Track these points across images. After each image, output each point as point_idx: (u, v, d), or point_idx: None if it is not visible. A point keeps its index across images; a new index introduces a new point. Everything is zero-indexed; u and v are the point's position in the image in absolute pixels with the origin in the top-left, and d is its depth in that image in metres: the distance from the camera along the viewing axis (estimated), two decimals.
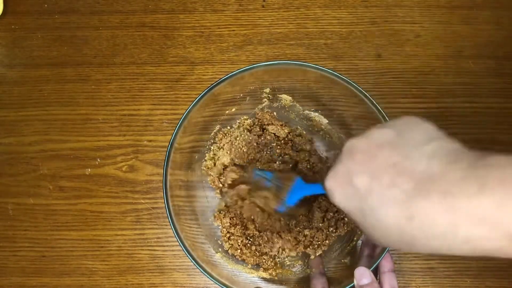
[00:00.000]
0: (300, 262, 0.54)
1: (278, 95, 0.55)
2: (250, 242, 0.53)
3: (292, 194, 0.48)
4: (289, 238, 0.52)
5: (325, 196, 0.54)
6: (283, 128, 0.55)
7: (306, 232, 0.52)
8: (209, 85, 0.48)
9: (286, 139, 0.56)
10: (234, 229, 0.53)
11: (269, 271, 0.52)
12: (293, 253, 0.53)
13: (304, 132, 0.57)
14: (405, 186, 0.27)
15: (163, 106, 0.60)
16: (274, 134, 0.56)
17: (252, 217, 0.54)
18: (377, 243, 0.32)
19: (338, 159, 0.32)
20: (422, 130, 0.30)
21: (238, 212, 0.54)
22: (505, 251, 0.25)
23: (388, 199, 0.28)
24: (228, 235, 0.53)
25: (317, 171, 0.54)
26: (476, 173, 0.25)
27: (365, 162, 0.30)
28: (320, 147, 0.57)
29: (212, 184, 0.55)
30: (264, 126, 0.56)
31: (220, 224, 0.53)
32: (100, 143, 0.59)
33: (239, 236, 0.52)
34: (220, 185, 0.55)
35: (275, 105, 0.56)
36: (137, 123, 0.60)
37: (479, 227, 0.24)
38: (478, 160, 0.26)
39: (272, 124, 0.55)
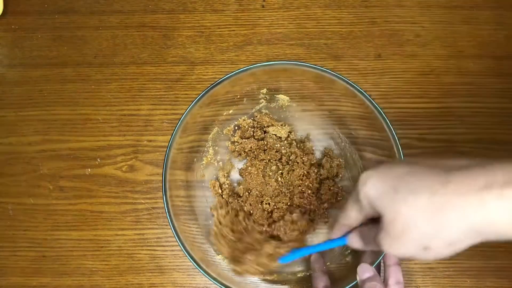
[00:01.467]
0: (301, 262, 0.54)
1: (275, 95, 0.55)
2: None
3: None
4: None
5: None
6: (283, 127, 0.55)
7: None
8: (208, 86, 0.48)
9: (289, 139, 0.56)
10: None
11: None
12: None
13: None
14: (447, 166, 0.30)
15: (163, 106, 0.60)
16: (275, 135, 0.55)
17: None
18: (397, 231, 0.32)
19: (378, 165, 0.35)
20: None
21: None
22: None
23: (429, 172, 0.30)
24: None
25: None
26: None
27: (408, 163, 0.33)
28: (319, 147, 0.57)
29: (212, 188, 0.55)
30: (264, 129, 0.56)
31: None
32: (100, 143, 0.59)
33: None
34: (220, 190, 0.55)
35: (272, 105, 0.56)
36: (137, 123, 0.60)
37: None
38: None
39: (272, 125, 0.55)
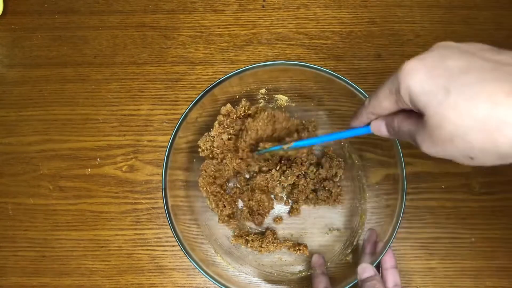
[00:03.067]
0: (301, 263, 0.54)
1: (274, 95, 0.55)
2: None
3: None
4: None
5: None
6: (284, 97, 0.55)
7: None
8: (208, 86, 0.48)
9: None
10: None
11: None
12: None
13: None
14: (510, 69, 0.25)
15: (163, 106, 0.60)
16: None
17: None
18: (441, 138, 0.27)
19: (425, 52, 0.30)
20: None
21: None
22: None
23: (490, 76, 0.25)
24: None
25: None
26: None
27: (462, 53, 0.28)
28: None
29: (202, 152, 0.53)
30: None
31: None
32: (100, 143, 0.59)
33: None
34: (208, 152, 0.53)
35: (271, 105, 0.56)
36: (137, 123, 0.60)
37: None
38: None
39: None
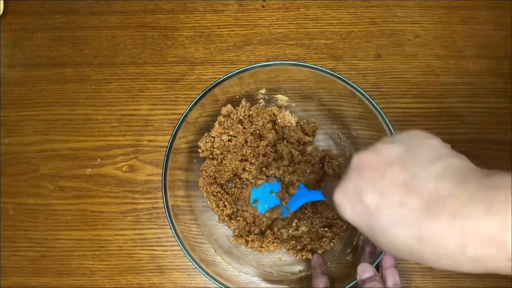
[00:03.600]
0: (301, 263, 0.54)
1: (274, 95, 0.55)
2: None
3: (294, 200, 0.49)
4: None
5: (325, 202, 0.54)
6: (293, 116, 0.55)
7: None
8: (208, 86, 0.48)
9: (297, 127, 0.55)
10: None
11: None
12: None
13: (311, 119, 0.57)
14: (414, 207, 0.28)
15: (163, 106, 0.60)
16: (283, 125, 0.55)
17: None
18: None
19: (347, 175, 0.33)
20: (429, 147, 0.30)
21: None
22: (510, 271, 0.27)
23: (398, 219, 0.28)
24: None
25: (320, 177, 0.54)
26: (483, 194, 0.26)
27: (374, 179, 0.30)
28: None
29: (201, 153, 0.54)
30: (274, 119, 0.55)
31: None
32: (100, 143, 0.59)
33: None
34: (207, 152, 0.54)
35: (271, 106, 0.56)
36: (137, 123, 0.60)
37: (487, 247, 0.26)
38: (484, 181, 0.27)
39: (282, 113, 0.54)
